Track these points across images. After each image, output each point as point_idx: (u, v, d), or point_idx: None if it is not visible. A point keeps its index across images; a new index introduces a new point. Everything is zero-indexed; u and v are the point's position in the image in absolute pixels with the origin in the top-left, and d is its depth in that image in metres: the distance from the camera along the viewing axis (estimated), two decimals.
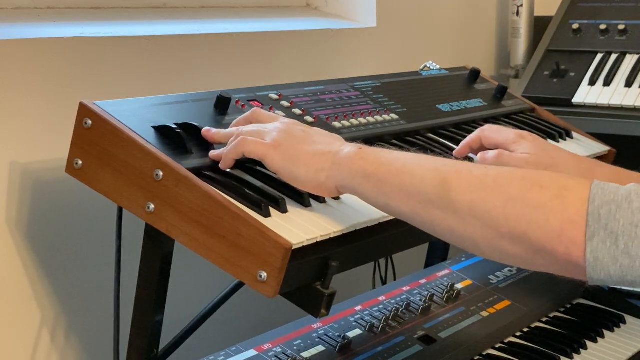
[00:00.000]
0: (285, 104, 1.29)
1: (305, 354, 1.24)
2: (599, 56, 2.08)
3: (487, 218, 0.93)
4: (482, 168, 0.98)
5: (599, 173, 1.24)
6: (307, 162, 1.03)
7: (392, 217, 1.08)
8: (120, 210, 1.12)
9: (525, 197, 0.91)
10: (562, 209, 0.88)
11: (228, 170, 1.06)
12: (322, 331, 1.31)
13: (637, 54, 2.05)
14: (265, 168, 1.08)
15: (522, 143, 1.27)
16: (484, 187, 0.94)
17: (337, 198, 1.10)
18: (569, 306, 1.64)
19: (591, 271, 0.87)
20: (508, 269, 1.66)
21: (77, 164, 1.08)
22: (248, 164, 1.09)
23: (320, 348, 1.27)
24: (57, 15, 1.55)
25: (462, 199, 0.94)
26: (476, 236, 0.95)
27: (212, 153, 1.08)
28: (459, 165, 0.99)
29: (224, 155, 1.06)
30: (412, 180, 0.98)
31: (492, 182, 0.94)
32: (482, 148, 1.29)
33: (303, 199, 1.06)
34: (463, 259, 1.67)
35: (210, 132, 1.10)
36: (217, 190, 1.00)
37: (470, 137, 1.31)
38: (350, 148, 1.03)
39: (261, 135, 1.06)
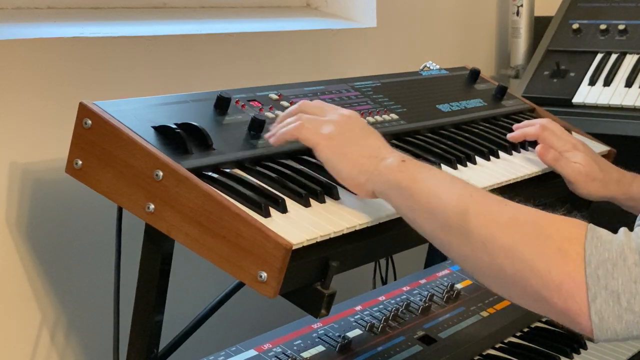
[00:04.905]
0: (285, 104, 1.29)
1: (305, 354, 1.24)
2: (599, 56, 2.08)
3: (495, 256, 0.97)
4: (502, 204, 1.01)
5: (636, 186, 1.40)
6: (353, 161, 1.08)
7: (392, 217, 1.10)
8: (120, 210, 1.12)
9: (533, 244, 0.95)
10: (563, 264, 0.92)
11: (227, 170, 1.07)
12: (322, 331, 1.31)
13: (637, 54, 2.05)
14: (265, 168, 1.09)
15: (576, 153, 1.41)
16: (497, 225, 0.98)
17: (336, 198, 1.10)
18: None
19: (598, 332, 0.91)
20: None
21: (77, 164, 1.08)
22: (248, 164, 1.10)
23: (320, 348, 1.27)
24: (57, 15, 1.55)
25: (477, 232, 0.98)
26: (484, 269, 0.99)
27: (268, 135, 1.13)
28: (483, 197, 1.03)
29: (281, 133, 1.11)
30: (437, 202, 1.02)
31: (505, 221, 0.98)
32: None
33: (303, 199, 1.06)
34: None
35: (271, 134, 1.14)
36: (217, 190, 1.00)
37: (529, 130, 1.45)
38: (393, 158, 1.07)
39: (319, 124, 1.10)
